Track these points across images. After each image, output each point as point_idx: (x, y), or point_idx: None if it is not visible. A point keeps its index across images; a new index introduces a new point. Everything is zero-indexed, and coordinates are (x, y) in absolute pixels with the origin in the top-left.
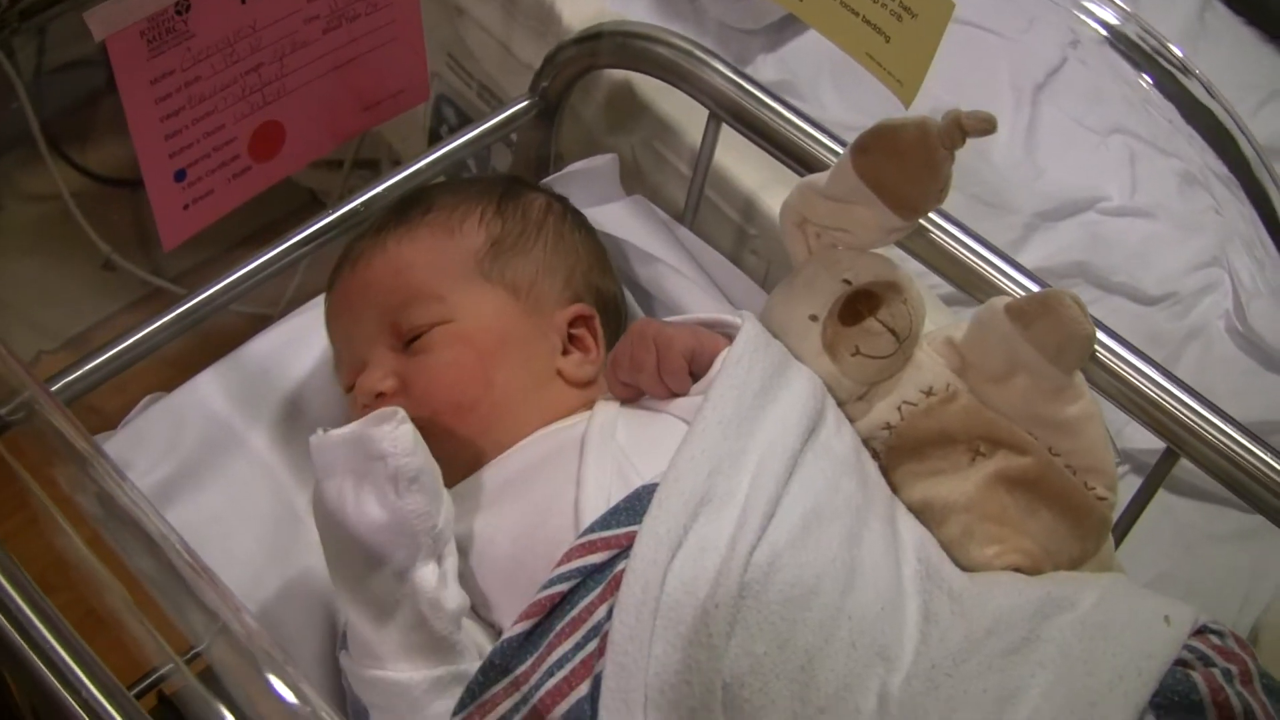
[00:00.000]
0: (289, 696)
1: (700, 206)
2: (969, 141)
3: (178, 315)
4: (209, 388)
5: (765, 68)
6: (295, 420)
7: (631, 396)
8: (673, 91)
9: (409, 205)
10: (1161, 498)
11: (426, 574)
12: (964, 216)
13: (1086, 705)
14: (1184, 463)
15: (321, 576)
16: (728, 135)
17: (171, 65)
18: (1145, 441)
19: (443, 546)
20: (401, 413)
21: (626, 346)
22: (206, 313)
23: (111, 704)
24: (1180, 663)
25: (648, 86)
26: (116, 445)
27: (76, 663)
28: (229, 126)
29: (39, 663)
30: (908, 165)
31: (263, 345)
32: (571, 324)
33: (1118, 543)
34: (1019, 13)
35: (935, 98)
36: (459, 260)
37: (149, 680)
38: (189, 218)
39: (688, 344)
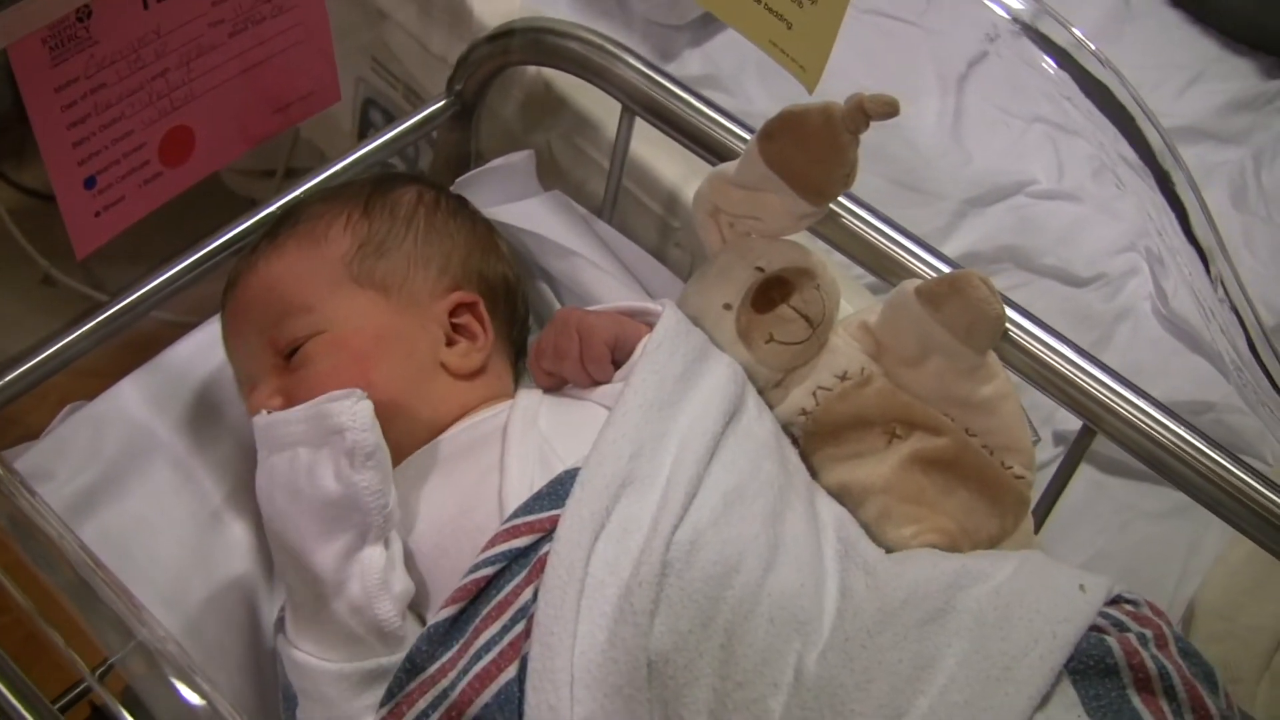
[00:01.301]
0: (194, 699)
1: (621, 200)
2: (898, 132)
3: (98, 323)
4: (130, 394)
5: (691, 62)
6: (216, 424)
7: (555, 385)
8: (588, 87)
9: (279, 221)
10: (1095, 477)
11: (375, 554)
12: (893, 204)
13: (1001, 669)
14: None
15: (245, 579)
16: (651, 129)
17: (75, 73)
18: (1078, 422)
19: (390, 529)
20: (360, 391)
21: (550, 335)
22: (126, 321)
23: (31, 713)
24: (1096, 629)
25: (565, 83)
26: (37, 455)
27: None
28: (137, 133)
29: None
30: (813, 150)
31: (183, 350)
32: (453, 313)
33: (1043, 519)
34: (939, 5)
35: (862, 88)
36: (327, 269)
37: (75, 691)
38: (101, 225)
39: (610, 331)
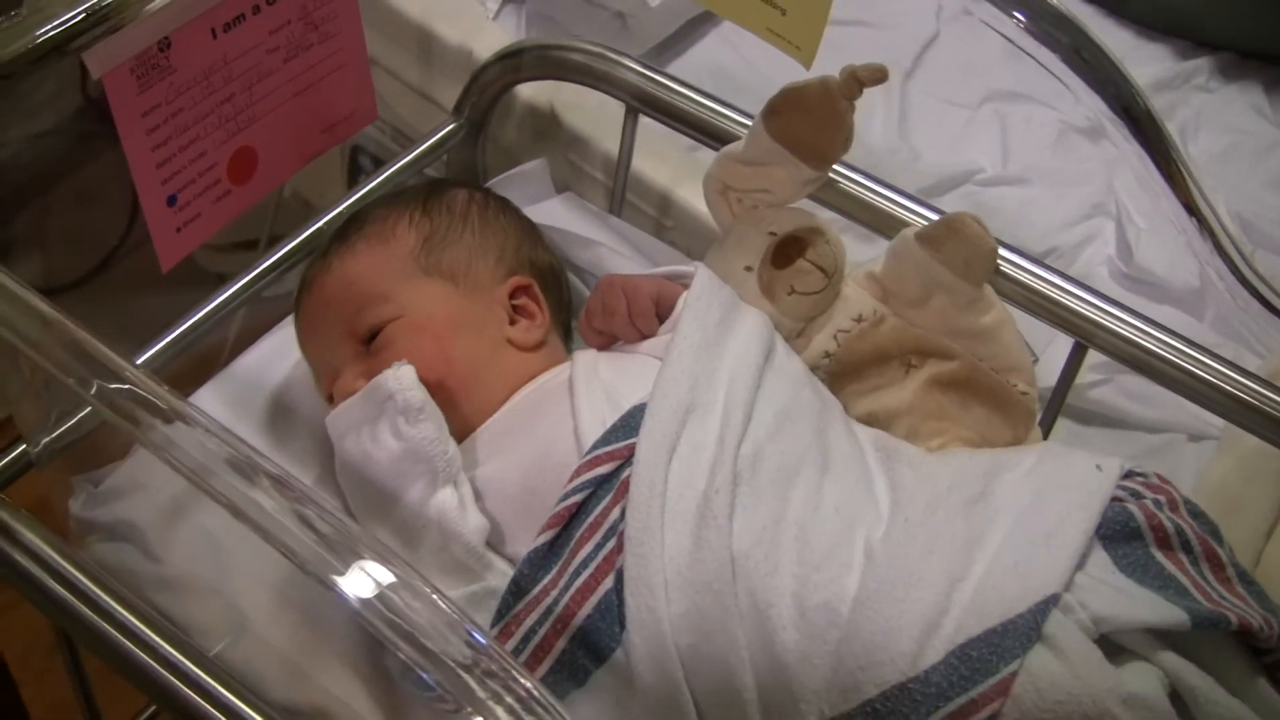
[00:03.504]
0: None
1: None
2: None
3: None
4: (207, 402)
5: None
6: (291, 422)
7: (606, 343)
8: (582, 108)
9: (346, 226)
10: (1073, 428)
11: (446, 496)
12: None
13: (1043, 537)
14: (1091, 394)
15: None
16: (639, 139)
17: (158, 99)
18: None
19: (456, 473)
20: (403, 360)
21: (598, 297)
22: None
23: None
24: (1117, 500)
25: (560, 104)
26: (128, 470)
27: None
28: (210, 153)
29: None
30: (815, 119)
31: (251, 359)
32: (512, 295)
33: (1048, 430)
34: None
35: None
36: (397, 262)
37: None
38: (182, 239)
39: (653, 289)
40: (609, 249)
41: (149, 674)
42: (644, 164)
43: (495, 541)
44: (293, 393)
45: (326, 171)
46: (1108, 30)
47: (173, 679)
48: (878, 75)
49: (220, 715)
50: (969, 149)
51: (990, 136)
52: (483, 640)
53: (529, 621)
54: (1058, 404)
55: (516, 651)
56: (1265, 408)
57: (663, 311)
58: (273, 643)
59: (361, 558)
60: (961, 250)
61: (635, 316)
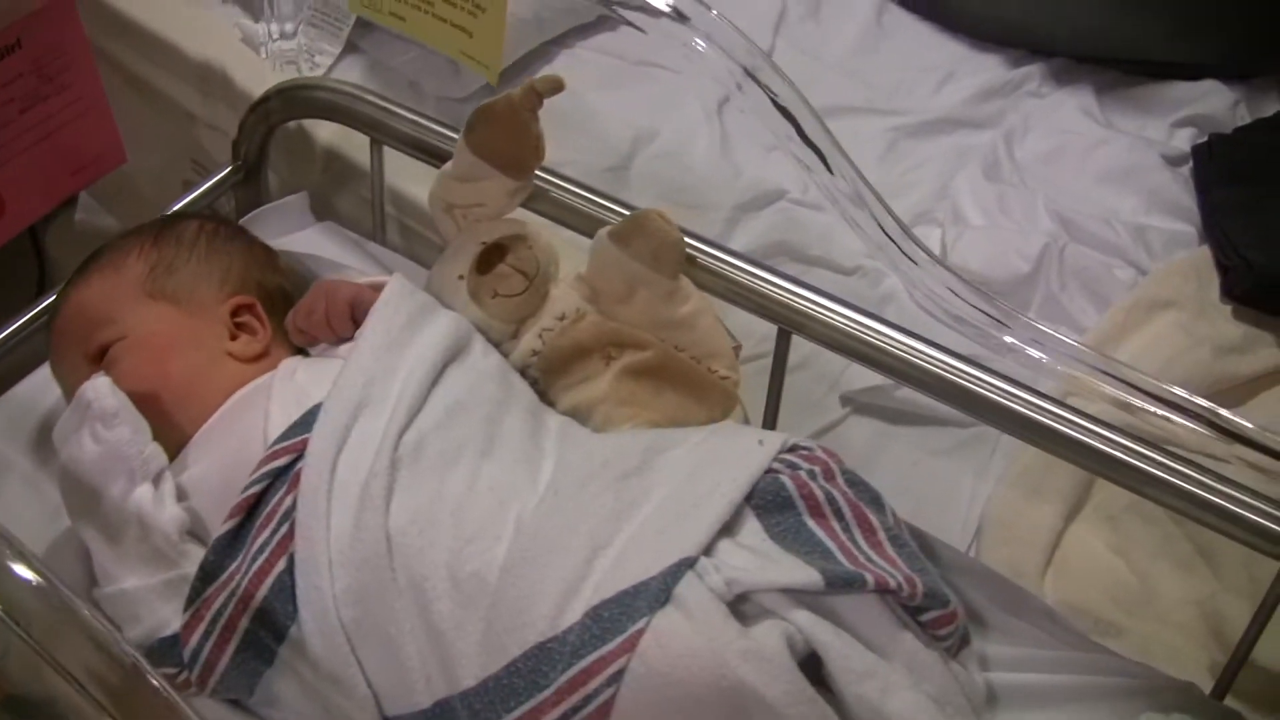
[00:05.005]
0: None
1: (393, 228)
2: (675, 159)
3: None
4: None
5: None
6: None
7: (309, 343)
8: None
9: (87, 259)
10: (882, 428)
11: (144, 492)
12: (673, 219)
13: (690, 507)
14: (900, 394)
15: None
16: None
17: None
18: (863, 381)
19: (154, 471)
20: (100, 373)
21: (304, 300)
22: None
23: None
24: (773, 472)
25: (347, 142)
26: None
27: None
28: None
29: None
30: (505, 131)
31: (24, 389)
32: (235, 313)
33: (773, 417)
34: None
35: (637, 126)
36: (125, 289)
37: None
38: None
39: (350, 294)
40: (356, 270)
41: None
42: (418, 190)
43: (204, 536)
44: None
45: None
46: (942, 43)
47: None
48: (553, 85)
49: None
50: (779, 172)
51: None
52: None
53: (216, 603)
54: (777, 392)
55: (207, 633)
56: (965, 383)
57: (359, 316)
58: None
59: None
60: (649, 244)
61: (331, 317)
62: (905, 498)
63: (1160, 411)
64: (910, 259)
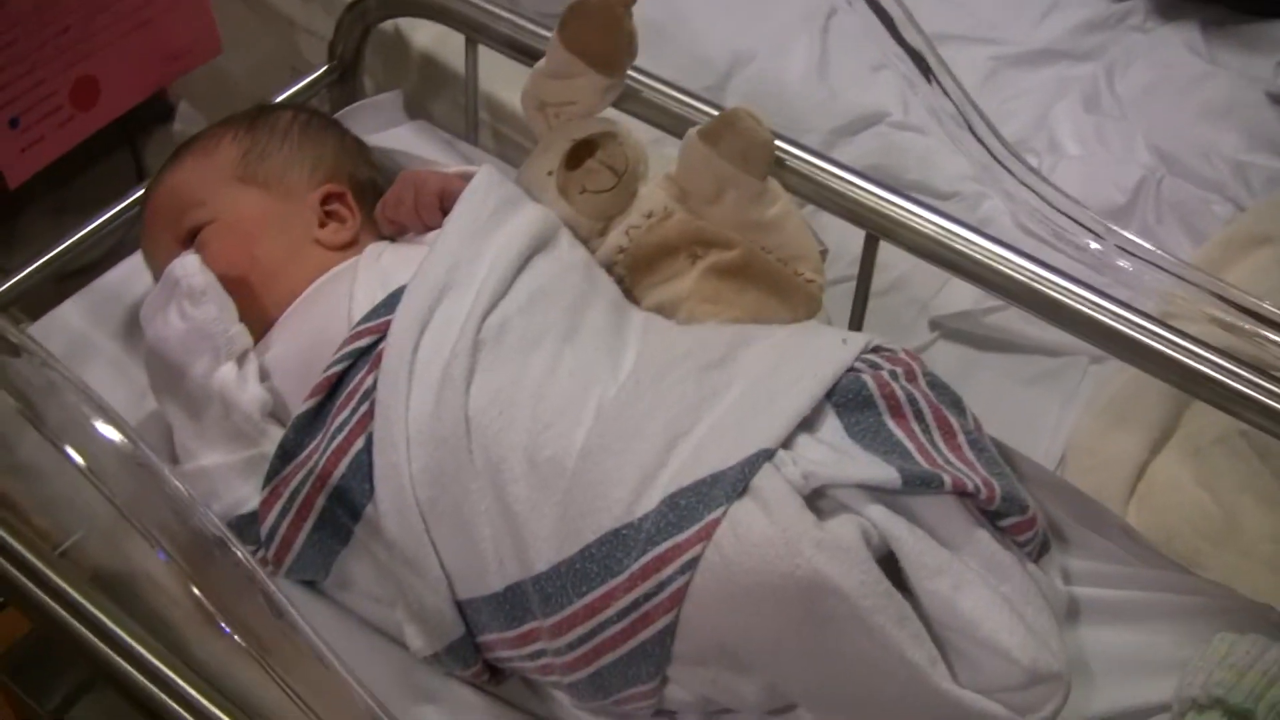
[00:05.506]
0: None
1: (480, 129)
2: (768, 79)
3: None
4: (71, 312)
5: None
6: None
7: (397, 232)
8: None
9: (181, 145)
10: (970, 355)
11: (227, 371)
12: None
13: (771, 400)
14: (988, 320)
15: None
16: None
17: None
18: (952, 306)
19: (239, 350)
20: (190, 252)
21: (393, 190)
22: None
23: None
24: (855, 371)
25: (444, 46)
26: None
27: None
28: (49, 80)
29: None
30: (597, 28)
31: (112, 277)
32: (325, 201)
33: (855, 316)
34: None
35: (734, 45)
36: (216, 173)
37: None
38: (27, 160)
39: (439, 184)
40: (447, 167)
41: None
42: (511, 95)
43: (284, 417)
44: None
45: None
46: None
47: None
48: None
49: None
50: (880, 95)
51: (895, 88)
52: None
53: (294, 481)
54: (863, 299)
55: (284, 511)
56: (1059, 296)
57: (447, 205)
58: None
59: None
60: (738, 143)
61: (420, 207)
62: (990, 424)
63: (1263, 332)
64: (1015, 176)
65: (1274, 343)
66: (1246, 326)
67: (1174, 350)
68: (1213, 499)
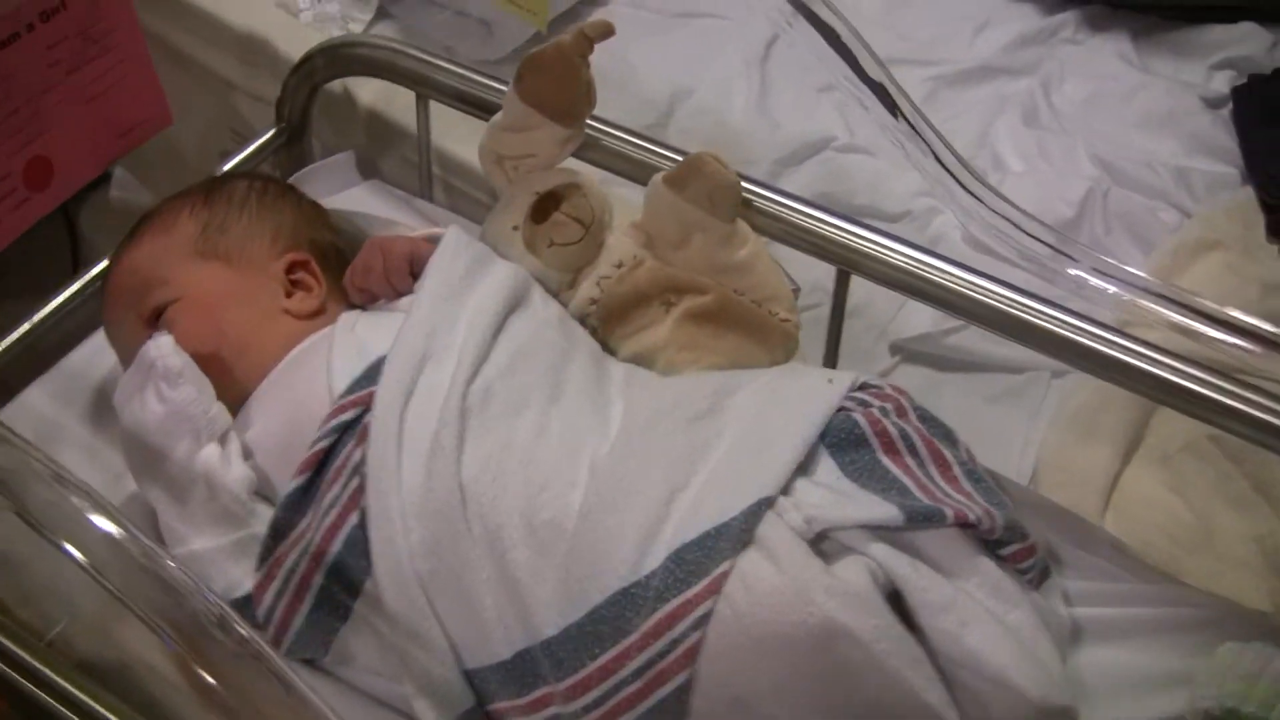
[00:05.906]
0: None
1: (438, 188)
2: (711, 115)
3: None
4: (37, 396)
5: None
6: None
7: (368, 300)
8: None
9: (138, 221)
10: (933, 376)
11: (210, 452)
12: None
13: (765, 446)
14: (949, 341)
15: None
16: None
17: None
18: (911, 329)
19: (220, 430)
20: (164, 331)
21: (360, 257)
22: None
23: None
24: (845, 410)
25: (392, 104)
26: None
27: None
28: (1, 164)
29: None
30: (555, 79)
31: (78, 357)
32: (289, 270)
33: (833, 355)
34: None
35: (675, 83)
36: (176, 249)
37: None
38: None
39: (407, 248)
40: (406, 226)
41: None
42: (463, 149)
43: (269, 494)
44: (115, 383)
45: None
46: None
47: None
48: (604, 29)
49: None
50: (823, 121)
51: (837, 112)
52: None
53: (289, 561)
54: (836, 334)
55: (280, 592)
56: (1029, 316)
57: (417, 269)
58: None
59: None
60: (704, 187)
61: (389, 273)
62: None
63: (1221, 335)
64: (969, 191)
65: (1236, 346)
66: (1208, 332)
67: (1146, 363)
68: (1185, 505)
